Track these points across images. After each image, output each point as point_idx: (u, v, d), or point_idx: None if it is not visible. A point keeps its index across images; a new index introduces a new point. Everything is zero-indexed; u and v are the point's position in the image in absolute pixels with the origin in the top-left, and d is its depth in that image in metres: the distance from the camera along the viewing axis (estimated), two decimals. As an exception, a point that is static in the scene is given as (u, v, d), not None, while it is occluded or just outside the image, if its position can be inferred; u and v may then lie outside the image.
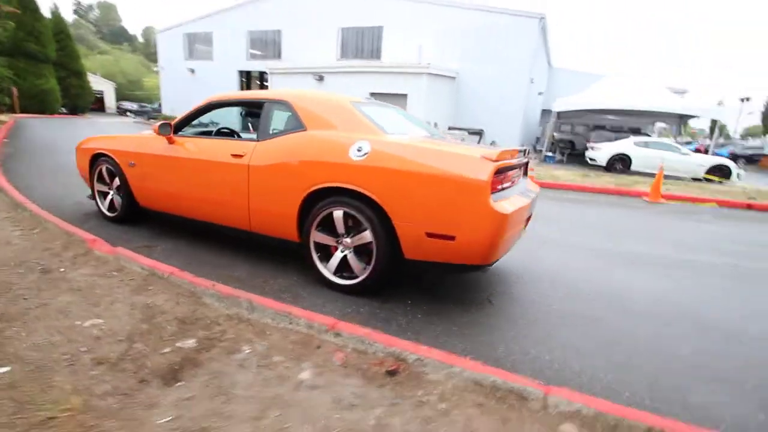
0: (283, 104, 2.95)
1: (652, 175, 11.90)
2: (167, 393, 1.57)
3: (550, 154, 17.07)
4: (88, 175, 4.02)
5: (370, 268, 2.54)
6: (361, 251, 2.60)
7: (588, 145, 15.07)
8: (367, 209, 2.47)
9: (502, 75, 16.11)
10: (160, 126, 3.19)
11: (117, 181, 3.75)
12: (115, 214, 3.87)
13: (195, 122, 3.50)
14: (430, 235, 2.33)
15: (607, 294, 2.96)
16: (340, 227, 2.60)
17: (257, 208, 2.89)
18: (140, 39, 72.76)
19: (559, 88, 21.27)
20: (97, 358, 1.74)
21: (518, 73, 16.04)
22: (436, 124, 15.09)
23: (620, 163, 13.19)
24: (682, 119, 19.66)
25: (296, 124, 2.82)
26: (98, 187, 3.97)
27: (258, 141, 2.91)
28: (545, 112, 22.15)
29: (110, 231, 3.60)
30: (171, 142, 3.29)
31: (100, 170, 3.87)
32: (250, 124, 4.47)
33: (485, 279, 3.09)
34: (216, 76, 21.80)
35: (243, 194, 2.92)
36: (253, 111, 3.91)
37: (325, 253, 2.75)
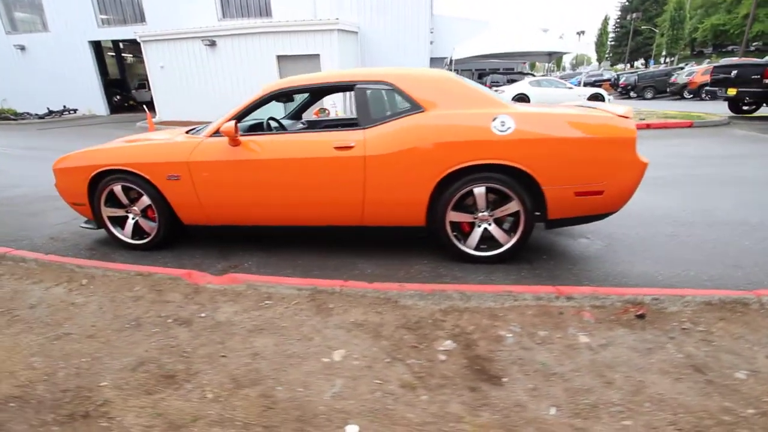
0: (383, 85, 2.74)
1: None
2: (510, 391, 1.60)
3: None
4: (86, 199, 3.19)
5: (517, 236, 2.70)
6: (499, 221, 2.73)
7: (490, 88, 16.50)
8: (513, 180, 2.57)
9: (402, 27, 16.20)
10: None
11: (145, 201, 3.08)
12: (148, 239, 3.20)
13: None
14: (579, 194, 2.57)
15: (654, 214, 3.62)
16: (482, 203, 2.67)
17: (376, 199, 2.74)
18: None
19: (442, 36, 22.25)
20: (406, 383, 1.64)
21: (417, 24, 16.30)
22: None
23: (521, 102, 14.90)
24: (551, 56, 22.64)
25: (410, 106, 2.68)
26: (109, 212, 3.20)
27: (364, 128, 2.70)
28: (433, 61, 23.18)
29: (156, 261, 3.02)
30: (236, 144, 2.80)
31: (111, 191, 3.11)
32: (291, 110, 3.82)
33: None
34: (59, 52, 17.43)
35: (357, 188, 2.72)
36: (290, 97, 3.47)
37: (457, 230, 2.79)
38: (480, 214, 2.73)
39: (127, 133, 13.08)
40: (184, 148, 2.93)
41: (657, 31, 45.13)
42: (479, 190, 2.63)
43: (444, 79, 2.78)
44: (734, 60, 13.47)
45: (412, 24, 16.17)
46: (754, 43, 39.66)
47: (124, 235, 3.25)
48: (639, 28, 42.46)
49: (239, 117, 2.91)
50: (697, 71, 18.52)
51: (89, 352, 1.89)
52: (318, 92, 3.21)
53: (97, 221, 3.27)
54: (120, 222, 3.25)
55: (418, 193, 2.68)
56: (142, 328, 2.08)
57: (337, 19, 13.25)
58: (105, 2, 16.94)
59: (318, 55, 13.50)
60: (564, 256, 2.89)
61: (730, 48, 43.60)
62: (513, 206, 2.64)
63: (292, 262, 2.95)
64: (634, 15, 37.93)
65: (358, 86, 2.78)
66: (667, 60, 44.45)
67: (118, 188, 3.09)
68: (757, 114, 9.78)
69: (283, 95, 2.94)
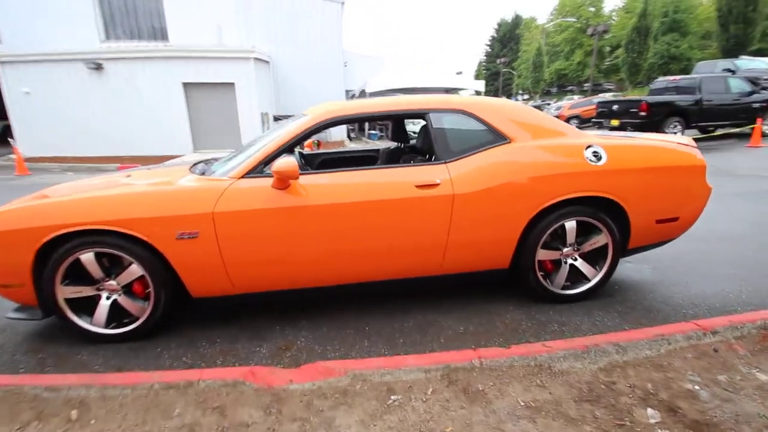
0: (461, 115, 2.41)
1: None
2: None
3: (373, 132, 18.61)
4: (30, 277, 2.13)
5: (604, 269, 2.57)
6: (584, 256, 2.58)
7: (405, 122, 17.18)
8: (602, 212, 2.45)
9: (316, 59, 16.12)
10: (285, 165, 2.02)
11: (133, 271, 2.17)
12: (135, 325, 2.26)
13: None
14: (659, 221, 2.55)
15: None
16: (571, 238, 2.49)
17: (461, 242, 2.35)
18: None
19: (349, 71, 22.82)
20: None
21: (332, 56, 16.41)
22: (266, 114, 13.96)
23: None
24: (448, 92, 24.82)
25: (492, 138, 2.40)
26: (69, 292, 2.18)
27: (446, 163, 2.32)
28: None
29: (159, 357, 2.13)
30: (284, 186, 2.16)
31: (76, 262, 2.13)
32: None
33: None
34: None
35: (440, 231, 2.31)
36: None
37: (542, 269, 2.55)
38: (565, 250, 2.54)
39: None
40: (205, 195, 2.15)
41: (515, 73, 53.61)
42: (570, 225, 2.44)
43: (518, 107, 2.58)
44: (614, 97, 16.44)
45: (325, 56, 16.19)
46: (585, 84, 49.55)
47: (95, 323, 2.24)
48: (501, 70, 49.70)
49: (284, 152, 2.27)
50: (564, 106, 22.13)
51: None
52: (371, 121, 2.73)
53: (45, 308, 2.20)
54: (86, 306, 2.24)
55: (508, 232, 2.38)
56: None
57: (253, 47, 12.50)
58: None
59: (232, 84, 12.51)
60: (633, 285, 2.84)
61: (569, 88, 53.66)
62: (602, 239, 2.50)
63: (359, 330, 2.35)
64: (503, 59, 44.29)
65: (432, 115, 2.41)
66: (524, 97, 52.69)
67: (88, 257, 2.13)
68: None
69: (336, 124, 2.40)
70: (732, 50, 19.45)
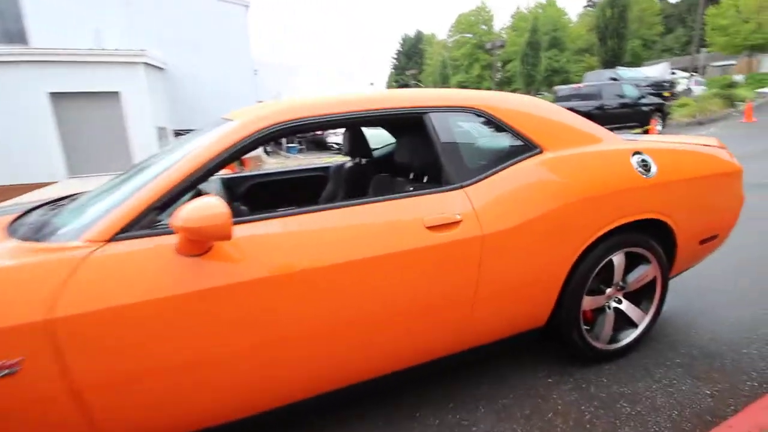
0: (474, 115, 1.64)
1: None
2: None
3: (291, 145, 17.29)
4: None
5: (652, 310, 2.00)
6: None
7: (325, 132, 16.24)
8: (651, 238, 1.88)
9: (222, 66, 14.45)
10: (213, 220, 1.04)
11: None
12: None
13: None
14: (703, 241, 2.07)
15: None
16: (619, 275, 1.87)
17: (491, 302, 1.59)
18: None
19: (261, 80, 21.23)
20: None
21: (239, 63, 14.89)
22: (164, 129, 12.02)
23: (359, 144, 15.14)
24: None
25: (520, 146, 1.67)
26: None
27: (463, 187, 1.53)
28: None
29: None
30: (201, 251, 1.17)
31: None
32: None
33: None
34: None
35: (462, 293, 1.52)
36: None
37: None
38: (608, 291, 1.91)
39: None
40: (34, 283, 1.07)
41: (422, 85, 56.25)
42: (619, 259, 1.83)
43: (543, 104, 1.90)
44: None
45: (232, 63, 14.60)
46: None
47: None
48: (409, 82, 51.60)
49: (195, 185, 1.27)
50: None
51: None
52: (340, 126, 1.78)
53: None
54: None
55: (552, 278, 1.68)
56: None
57: (143, 50, 10.58)
58: None
59: (117, 93, 10.45)
60: (664, 319, 2.33)
61: (470, 99, 57.61)
62: (651, 272, 1.93)
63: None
64: (412, 72, 45.90)
65: (435, 115, 1.60)
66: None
67: None
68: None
69: (290, 134, 1.47)
70: (609, 62, 22.20)
